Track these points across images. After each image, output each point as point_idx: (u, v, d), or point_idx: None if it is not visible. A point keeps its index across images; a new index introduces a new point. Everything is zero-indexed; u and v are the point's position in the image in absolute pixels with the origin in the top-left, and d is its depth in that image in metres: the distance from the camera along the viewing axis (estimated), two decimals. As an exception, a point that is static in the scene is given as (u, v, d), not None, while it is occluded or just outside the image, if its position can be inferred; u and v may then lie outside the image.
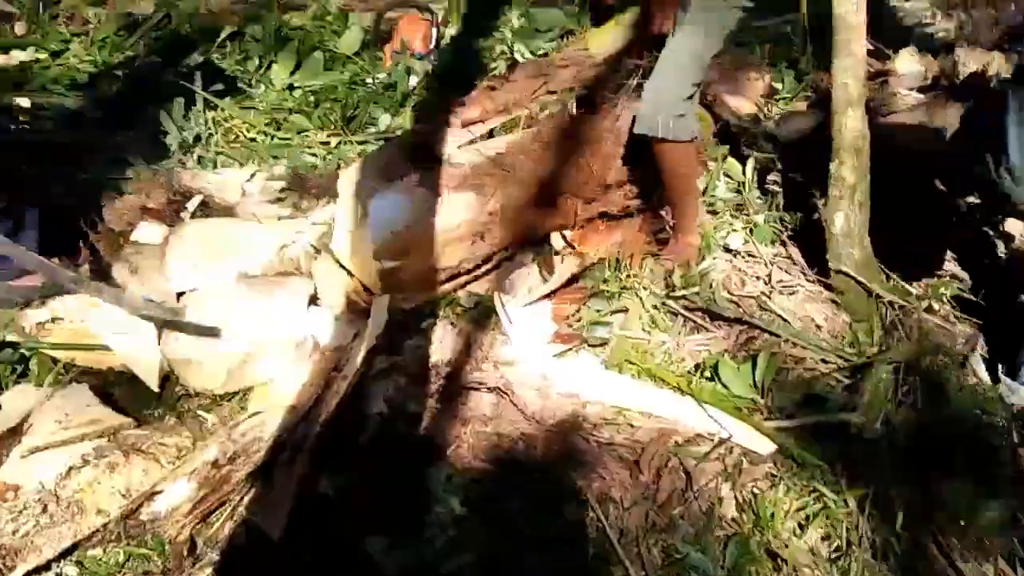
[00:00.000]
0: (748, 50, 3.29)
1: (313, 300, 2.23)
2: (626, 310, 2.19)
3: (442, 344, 2.16)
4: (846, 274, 2.14)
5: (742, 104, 2.96)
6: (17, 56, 3.36)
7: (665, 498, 1.78)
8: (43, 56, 3.35)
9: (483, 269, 2.32)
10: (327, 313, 2.20)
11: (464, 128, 2.47)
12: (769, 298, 2.19)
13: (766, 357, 1.97)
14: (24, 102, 2.94)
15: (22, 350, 2.07)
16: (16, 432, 1.86)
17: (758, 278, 2.27)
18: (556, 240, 2.43)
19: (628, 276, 2.25)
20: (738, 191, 2.59)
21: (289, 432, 1.89)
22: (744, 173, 2.61)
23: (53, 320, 2.15)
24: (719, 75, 3.01)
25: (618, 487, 1.81)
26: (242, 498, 1.78)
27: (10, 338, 2.10)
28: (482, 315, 2.22)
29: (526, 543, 1.68)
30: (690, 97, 2.11)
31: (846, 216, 2.12)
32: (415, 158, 2.38)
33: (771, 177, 2.63)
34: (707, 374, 2.01)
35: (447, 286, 2.28)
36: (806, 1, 3.20)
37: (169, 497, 1.78)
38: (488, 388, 2.02)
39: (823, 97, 2.95)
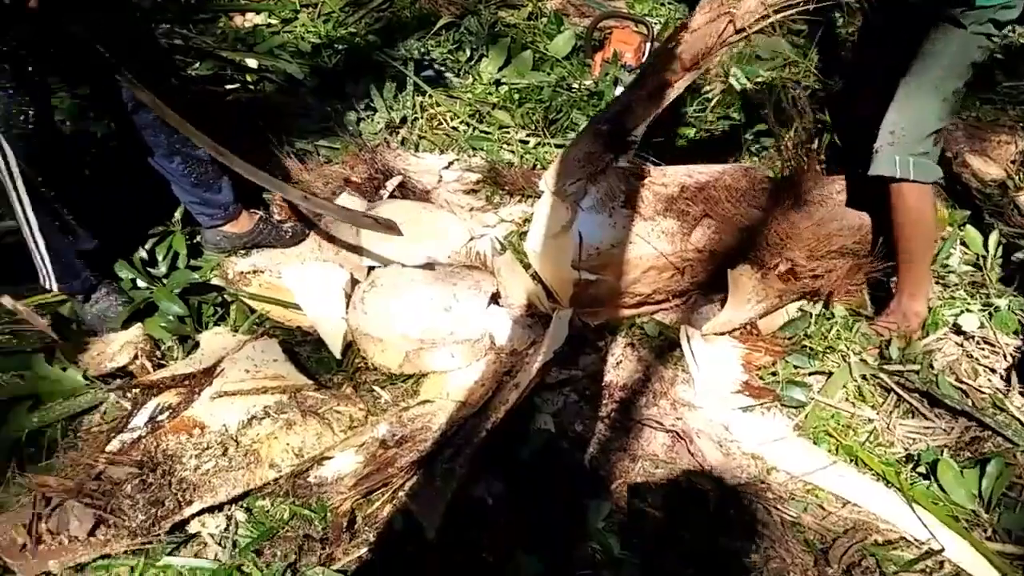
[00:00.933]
0: (998, 109, 2.92)
1: (494, 298, 2.19)
2: (829, 374, 1.98)
3: (619, 369, 2.05)
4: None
5: (988, 168, 2.62)
6: (252, 19, 3.61)
7: (854, 600, 1.57)
8: (274, 21, 3.57)
9: (674, 303, 2.18)
10: (506, 314, 2.15)
11: (654, 98, 2.26)
12: (1006, 396, 1.89)
13: (999, 465, 1.69)
14: (252, 62, 3.14)
15: (225, 295, 2.18)
16: (209, 373, 1.94)
17: (994, 371, 1.97)
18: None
19: (837, 336, 2.03)
20: (976, 266, 2.27)
21: (457, 428, 1.85)
22: (986, 247, 2.29)
23: (254, 272, 2.26)
24: (964, 133, 2.69)
25: (799, 574, 1.62)
26: (403, 484, 1.75)
27: (215, 281, 2.23)
28: (666, 347, 2.09)
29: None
30: (934, 133, 1.91)
31: None
32: (613, 146, 2.23)
33: (1019, 255, 2.29)
34: (920, 469, 1.77)
35: (634, 311, 2.16)
36: None
37: (337, 465, 1.80)
38: (664, 428, 1.89)
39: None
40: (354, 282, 2.21)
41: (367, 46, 3.33)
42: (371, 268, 2.26)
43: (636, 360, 2.06)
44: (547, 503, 1.73)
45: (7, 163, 1.74)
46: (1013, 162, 2.74)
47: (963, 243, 2.35)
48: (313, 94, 3.07)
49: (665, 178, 2.22)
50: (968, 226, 2.39)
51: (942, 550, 1.59)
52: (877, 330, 2.07)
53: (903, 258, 2.05)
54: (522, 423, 1.90)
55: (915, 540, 1.63)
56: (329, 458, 1.81)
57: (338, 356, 2.04)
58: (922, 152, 1.91)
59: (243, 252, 2.31)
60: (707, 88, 3.07)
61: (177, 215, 2.30)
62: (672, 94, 2.21)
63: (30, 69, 1.70)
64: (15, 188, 1.78)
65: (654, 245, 2.04)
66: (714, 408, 1.93)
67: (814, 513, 1.70)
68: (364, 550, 1.64)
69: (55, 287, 1.99)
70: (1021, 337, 2.06)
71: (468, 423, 1.87)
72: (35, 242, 1.89)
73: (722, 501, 1.73)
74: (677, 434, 1.87)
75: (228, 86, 3.05)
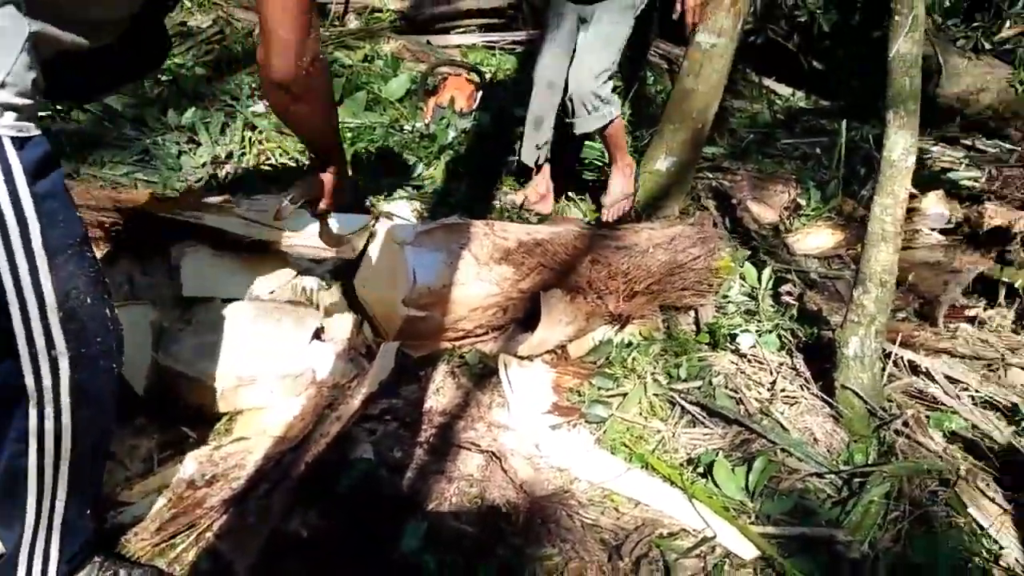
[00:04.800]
0: (776, 163, 3.41)
1: (317, 334, 2.22)
2: (627, 393, 2.19)
3: (439, 397, 2.15)
4: (854, 392, 2.15)
5: (765, 213, 3.04)
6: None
7: (642, 590, 1.74)
8: (93, 50, 3.42)
9: (493, 335, 2.32)
10: (330, 348, 2.18)
11: None
12: (770, 404, 2.20)
13: (764, 462, 1.96)
14: (66, 94, 2.99)
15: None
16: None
17: (761, 384, 2.28)
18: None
19: (635, 360, 2.26)
20: (751, 296, 2.62)
21: (273, 464, 1.85)
22: (760, 280, 2.65)
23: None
24: (747, 183, 3.12)
25: (595, 570, 1.77)
26: (212, 524, 1.72)
27: None
28: (484, 374, 2.22)
29: (496, 617, 1.63)
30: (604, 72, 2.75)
31: (861, 342, 2.16)
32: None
33: (785, 288, 2.67)
34: (699, 470, 2.00)
35: (456, 343, 2.28)
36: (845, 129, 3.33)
37: (138, 510, 1.72)
38: (480, 449, 2.00)
39: (846, 221, 3.05)
40: (170, 319, 2.15)
41: (195, 78, 3.27)
42: (191, 300, 2.21)
43: (456, 387, 2.17)
44: (365, 530, 1.77)
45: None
46: (786, 208, 3.21)
47: (742, 277, 2.71)
48: (133, 125, 2.96)
49: (506, 232, 2.38)
50: (747, 264, 2.76)
51: (715, 536, 1.81)
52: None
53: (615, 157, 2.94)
54: (341, 453, 1.93)
55: (693, 530, 1.83)
56: (128, 504, 1.73)
57: (139, 392, 1.95)
58: (602, 98, 2.70)
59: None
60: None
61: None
62: None
63: None
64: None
65: (483, 288, 2.18)
66: (526, 428, 2.07)
67: (610, 515, 1.86)
68: (167, 598, 1.58)
69: None
70: (782, 353, 2.41)
71: (286, 457, 1.87)
72: None
73: (530, 513, 1.85)
74: (492, 454, 1.98)
75: (40, 114, 2.87)
